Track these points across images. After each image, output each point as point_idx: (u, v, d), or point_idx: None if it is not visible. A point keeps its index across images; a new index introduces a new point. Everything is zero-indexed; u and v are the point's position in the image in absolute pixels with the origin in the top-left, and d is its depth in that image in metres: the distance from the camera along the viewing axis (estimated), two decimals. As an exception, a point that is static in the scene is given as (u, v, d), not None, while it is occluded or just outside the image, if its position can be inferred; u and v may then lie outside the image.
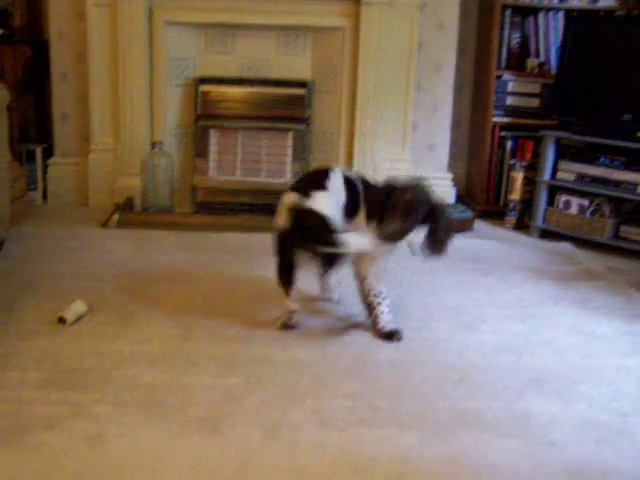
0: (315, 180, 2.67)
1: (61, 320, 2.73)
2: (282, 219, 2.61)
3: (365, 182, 2.79)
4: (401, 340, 2.70)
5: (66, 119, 4.47)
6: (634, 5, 4.30)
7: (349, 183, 2.73)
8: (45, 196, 4.53)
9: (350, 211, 2.70)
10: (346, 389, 2.34)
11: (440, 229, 2.63)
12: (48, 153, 4.54)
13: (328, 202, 2.58)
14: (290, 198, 2.60)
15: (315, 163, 4.43)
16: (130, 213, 4.15)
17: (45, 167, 4.51)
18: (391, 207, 2.59)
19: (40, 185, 4.49)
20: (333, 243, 2.47)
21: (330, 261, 2.69)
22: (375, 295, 2.74)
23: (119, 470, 1.90)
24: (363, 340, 2.71)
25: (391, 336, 2.71)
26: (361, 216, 2.72)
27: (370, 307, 2.77)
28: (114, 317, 2.82)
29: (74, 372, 2.38)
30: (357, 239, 2.53)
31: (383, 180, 2.79)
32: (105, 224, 3.99)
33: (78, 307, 2.80)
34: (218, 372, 2.42)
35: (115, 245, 3.69)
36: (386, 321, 2.74)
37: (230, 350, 2.57)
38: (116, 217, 4.01)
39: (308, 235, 2.54)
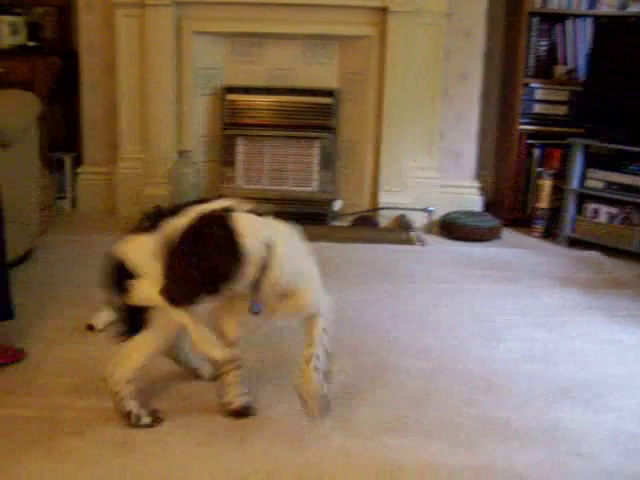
0: None
1: (90, 327, 2.75)
2: None
3: None
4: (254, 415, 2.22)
5: (95, 128, 4.52)
6: (664, 11, 4.27)
7: None
8: (74, 204, 4.57)
9: None
10: (372, 397, 2.34)
11: None
12: (77, 162, 4.59)
13: None
14: None
15: (341, 171, 4.44)
16: (158, 221, 4.17)
17: (74, 176, 4.56)
18: None
19: (69, 193, 4.54)
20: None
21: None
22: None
23: (146, 476, 1.91)
24: (387, 348, 2.70)
25: (244, 413, 2.21)
26: None
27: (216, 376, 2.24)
28: (142, 324, 2.84)
29: (103, 379, 2.40)
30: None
31: None
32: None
33: (107, 314, 2.82)
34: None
35: (143, 253, 3.71)
36: (236, 395, 2.21)
37: (257, 357, 2.57)
38: (144, 225, 4.04)
39: None
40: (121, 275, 2.02)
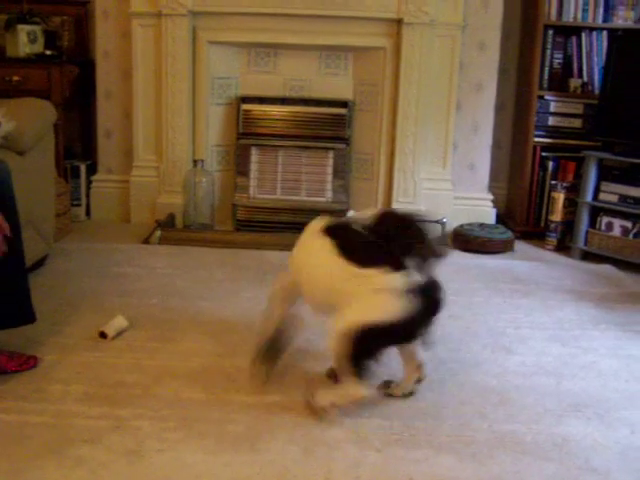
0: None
1: (102, 335, 2.77)
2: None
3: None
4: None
5: (110, 136, 4.55)
6: (680, 24, 4.25)
7: None
8: (88, 212, 4.60)
9: None
10: (383, 409, 2.33)
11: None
12: (92, 170, 4.62)
13: None
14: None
15: (355, 182, 4.44)
16: (171, 230, 4.19)
17: (89, 183, 4.58)
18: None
19: (84, 201, 4.57)
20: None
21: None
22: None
23: (157, 485, 1.92)
24: (398, 360, 2.69)
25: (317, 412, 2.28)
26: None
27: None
28: (154, 333, 2.85)
29: (115, 387, 2.41)
30: None
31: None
32: (147, 240, 4.04)
33: (119, 322, 2.84)
34: (256, 389, 2.43)
35: (156, 261, 3.73)
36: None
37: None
38: (158, 234, 4.06)
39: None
40: None
